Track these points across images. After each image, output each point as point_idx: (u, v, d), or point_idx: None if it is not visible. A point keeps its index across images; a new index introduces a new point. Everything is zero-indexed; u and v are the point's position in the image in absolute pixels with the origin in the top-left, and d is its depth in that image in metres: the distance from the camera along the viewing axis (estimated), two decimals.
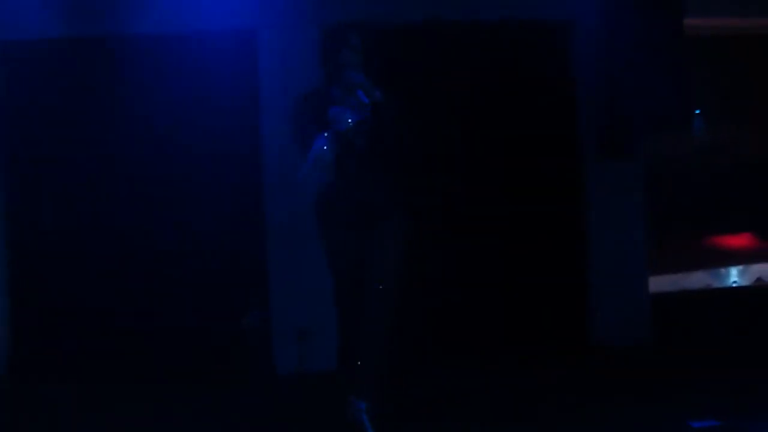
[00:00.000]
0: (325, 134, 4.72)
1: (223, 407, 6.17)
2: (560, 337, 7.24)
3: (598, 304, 7.38)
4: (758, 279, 8.41)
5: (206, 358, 6.90)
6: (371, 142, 4.90)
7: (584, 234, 7.43)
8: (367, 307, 4.95)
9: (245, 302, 7.02)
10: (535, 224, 7.31)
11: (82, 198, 6.95)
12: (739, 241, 8.48)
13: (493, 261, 7.27)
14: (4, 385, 6.77)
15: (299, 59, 6.81)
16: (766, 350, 6.76)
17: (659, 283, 7.95)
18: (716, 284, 8.39)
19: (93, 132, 6.98)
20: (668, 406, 5.65)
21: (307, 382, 6.58)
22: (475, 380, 6.54)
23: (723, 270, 8.43)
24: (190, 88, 6.99)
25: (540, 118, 7.31)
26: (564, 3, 7.22)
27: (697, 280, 8.33)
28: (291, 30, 6.94)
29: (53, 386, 6.58)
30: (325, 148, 4.69)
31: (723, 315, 7.66)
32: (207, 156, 7.04)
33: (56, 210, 6.94)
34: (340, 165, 4.86)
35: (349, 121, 4.76)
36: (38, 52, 6.92)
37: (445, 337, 7.12)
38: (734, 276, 8.43)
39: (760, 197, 8.20)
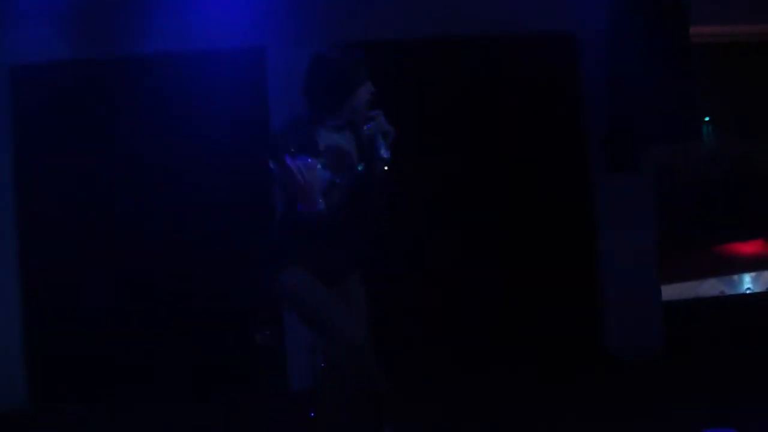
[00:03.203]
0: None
1: (238, 424, 6.19)
2: (573, 348, 7.24)
3: (610, 314, 7.38)
4: None
5: (220, 375, 6.93)
6: (353, 200, 4.37)
7: (595, 245, 7.44)
8: None
9: (259, 318, 7.04)
10: (546, 237, 7.32)
11: (95, 218, 6.97)
12: (752, 247, 8.46)
13: (503, 275, 7.28)
14: (25, 411, 6.81)
15: None
16: None
17: (672, 291, 7.94)
18: (729, 291, 8.36)
19: (105, 151, 7.03)
20: (684, 414, 5.65)
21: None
22: (488, 393, 6.56)
23: (736, 277, 8.41)
24: (200, 105, 7.03)
25: (546, 132, 7.34)
26: (567, 15, 7.23)
27: (710, 287, 8.31)
28: (299, 47, 6.95)
29: (71, 409, 6.61)
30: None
31: (737, 322, 7.65)
32: (219, 171, 7.08)
33: (69, 231, 6.96)
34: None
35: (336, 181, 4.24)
36: (49, 74, 6.97)
37: (456, 348, 7.13)
38: (748, 283, 8.41)
39: None
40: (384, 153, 4.25)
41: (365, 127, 4.27)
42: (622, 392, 6.37)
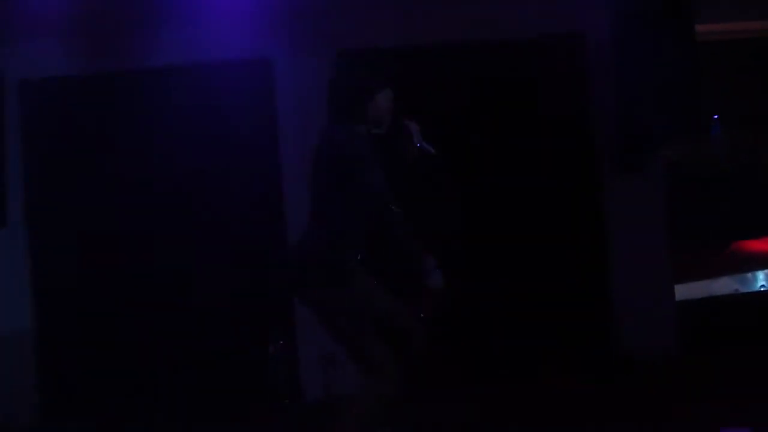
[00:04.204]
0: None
1: None
2: (587, 350, 7.22)
3: (623, 314, 7.36)
4: None
5: (233, 387, 6.93)
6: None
7: (607, 245, 7.42)
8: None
9: (271, 330, 7.04)
10: (557, 238, 7.31)
11: (105, 231, 6.99)
12: (765, 245, 8.44)
13: (516, 276, 7.27)
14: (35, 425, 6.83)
15: (315, 85, 6.86)
16: None
17: (686, 291, 7.92)
18: (744, 289, 8.34)
19: (114, 165, 7.04)
20: (699, 413, 5.61)
21: (334, 409, 6.59)
22: (501, 394, 6.57)
23: (750, 275, 8.39)
24: (209, 117, 7.07)
25: (556, 133, 7.32)
26: (574, 17, 7.24)
27: (723, 285, 8.29)
28: (306, 58, 7.01)
29: (83, 424, 6.64)
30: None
31: (752, 320, 7.62)
32: (229, 182, 7.10)
33: (79, 244, 6.98)
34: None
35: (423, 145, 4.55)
36: (58, 88, 7.00)
37: (468, 350, 7.13)
38: (762, 280, 8.38)
39: None
40: (430, 148, 4.54)
41: (414, 140, 4.54)
42: (637, 392, 6.36)
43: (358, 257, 4.51)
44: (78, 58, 6.98)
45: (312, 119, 6.80)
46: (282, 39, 7.05)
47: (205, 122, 7.05)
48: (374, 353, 4.38)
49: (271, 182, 7.07)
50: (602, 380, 6.77)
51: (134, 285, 6.95)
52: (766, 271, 8.39)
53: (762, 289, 8.34)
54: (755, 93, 8.11)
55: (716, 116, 8.12)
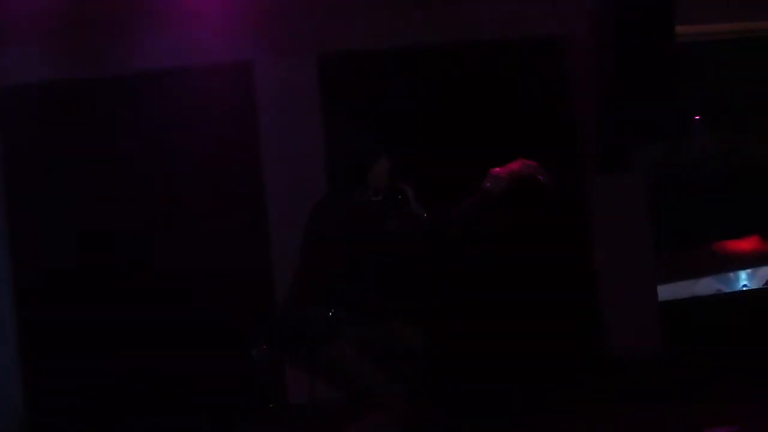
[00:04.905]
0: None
1: None
2: (571, 351, 7.22)
3: (607, 315, 7.37)
4: None
5: (218, 390, 6.89)
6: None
7: (591, 246, 7.43)
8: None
9: (255, 333, 7.00)
10: (541, 240, 7.30)
11: (86, 236, 6.93)
12: (747, 244, 8.46)
13: (501, 279, 7.25)
14: None
15: (296, 87, 6.99)
16: None
17: (669, 291, 7.93)
18: (726, 289, 8.36)
19: (95, 171, 6.99)
20: (684, 413, 5.61)
21: (319, 412, 6.57)
22: (487, 395, 6.56)
23: (732, 275, 8.41)
24: (190, 120, 7.04)
25: (539, 135, 7.31)
26: (554, 19, 7.25)
27: (706, 285, 8.31)
28: (286, 58, 6.99)
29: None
30: None
31: (735, 319, 7.64)
32: (211, 184, 7.07)
33: (61, 250, 6.91)
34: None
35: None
36: (37, 94, 6.94)
37: (453, 354, 7.10)
38: (744, 280, 8.40)
39: (765, 199, 8.18)
40: (422, 211, 4.71)
41: (410, 203, 4.72)
42: (622, 393, 6.36)
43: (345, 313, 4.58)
44: (57, 63, 6.92)
45: (292, 121, 6.87)
46: (261, 40, 7.02)
47: (185, 125, 7.01)
48: (381, 392, 4.42)
49: (253, 184, 7.05)
50: (587, 380, 6.76)
51: (116, 290, 6.89)
52: (747, 270, 8.41)
53: (744, 288, 8.37)
54: (738, 94, 8.14)
55: (698, 117, 8.13)
